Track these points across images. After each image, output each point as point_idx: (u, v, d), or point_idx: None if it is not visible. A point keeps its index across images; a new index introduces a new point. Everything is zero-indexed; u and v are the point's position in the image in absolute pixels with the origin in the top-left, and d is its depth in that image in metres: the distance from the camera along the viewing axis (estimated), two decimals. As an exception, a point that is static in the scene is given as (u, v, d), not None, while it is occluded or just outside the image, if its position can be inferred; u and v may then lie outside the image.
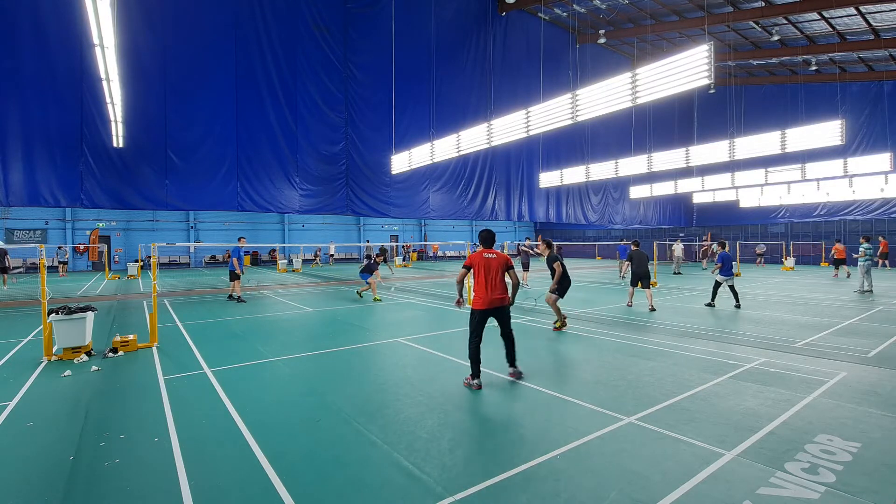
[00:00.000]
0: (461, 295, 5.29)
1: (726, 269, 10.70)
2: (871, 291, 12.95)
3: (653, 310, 10.15)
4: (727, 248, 10.97)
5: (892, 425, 3.90)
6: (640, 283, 10.51)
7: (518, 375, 5.24)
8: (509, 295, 5.20)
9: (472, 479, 3.06)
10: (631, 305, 10.99)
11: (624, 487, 2.95)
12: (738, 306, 10.56)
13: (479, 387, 4.92)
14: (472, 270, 5.23)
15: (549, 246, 8.38)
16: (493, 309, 5.09)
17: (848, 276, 18.04)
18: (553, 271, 7.94)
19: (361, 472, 3.18)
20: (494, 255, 5.20)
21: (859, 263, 13.25)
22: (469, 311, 5.45)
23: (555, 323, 8.23)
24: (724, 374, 5.38)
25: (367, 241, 13.05)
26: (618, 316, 9.67)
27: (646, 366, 5.78)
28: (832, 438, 3.64)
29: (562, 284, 7.99)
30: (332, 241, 28.51)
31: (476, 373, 5.02)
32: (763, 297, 12.51)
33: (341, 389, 4.96)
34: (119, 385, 5.18)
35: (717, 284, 10.85)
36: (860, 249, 13.24)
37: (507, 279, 5.23)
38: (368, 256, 13.09)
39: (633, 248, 10.88)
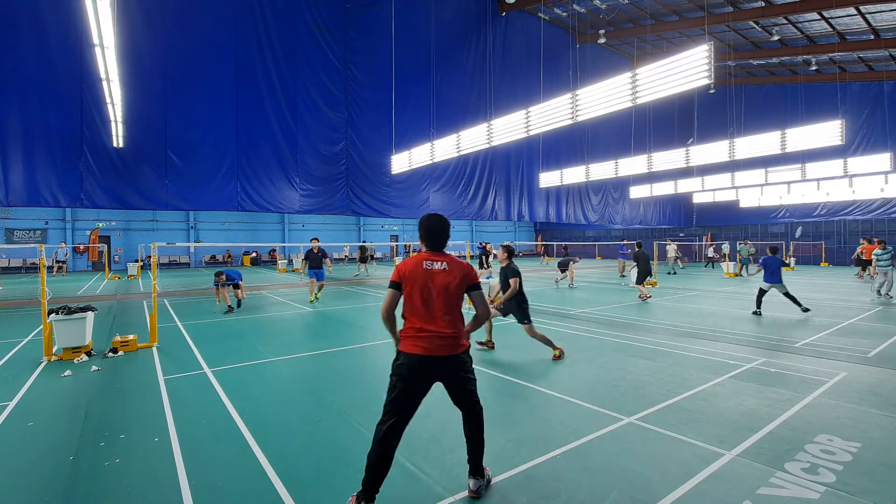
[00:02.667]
0: (395, 336, 2.92)
1: (769, 274, 9.57)
2: (879, 294, 12.41)
3: (642, 299, 11.26)
4: (776, 252, 9.82)
5: (892, 425, 3.90)
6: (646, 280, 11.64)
7: (479, 494, 2.83)
8: (466, 332, 2.87)
9: (472, 479, 3.05)
10: (648, 298, 11.62)
11: (624, 487, 2.95)
12: (805, 310, 9.39)
13: None
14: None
15: (511, 255, 6.39)
16: (433, 360, 2.72)
17: (872, 278, 17.48)
18: (506, 287, 6.26)
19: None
20: (443, 266, 2.83)
21: (880, 267, 12.49)
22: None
23: (553, 352, 6.30)
24: (724, 374, 5.38)
25: (314, 239, 12.52)
26: (618, 316, 9.67)
27: (646, 366, 5.78)
28: (832, 438, 3.64)
29: (522, 306, 6.26)
30: (346, 243, 28.51)
31: (367, 490, 2.67)
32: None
33: (341, 389, 4.96)
34: (119, 385, 5.18)
35: (762, 292, 9.74)
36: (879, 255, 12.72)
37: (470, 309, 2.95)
38: (316, 251, 12.15)
39: (637, 248, 11.41)
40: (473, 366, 2.99)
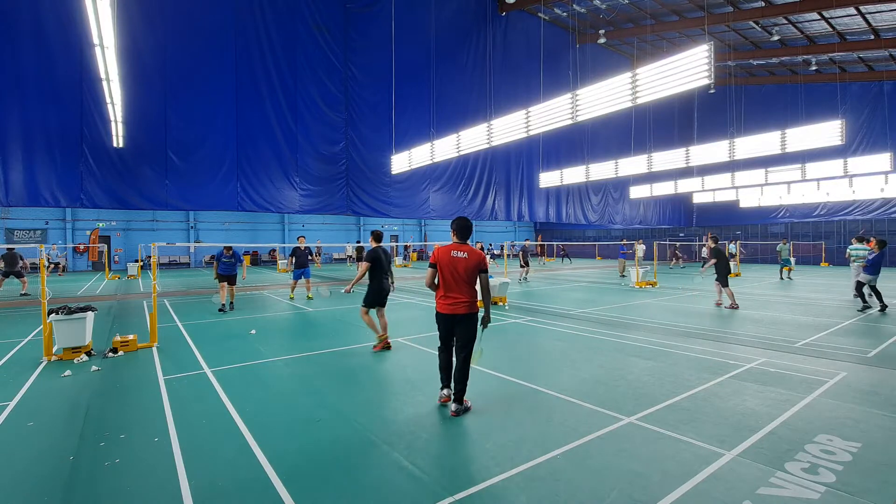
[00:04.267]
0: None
1: (870, 267, 9.82)
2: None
3: (735, 307, 10.34)
4: (884, 246, 9.90)
5: (892, 425, 3.90)
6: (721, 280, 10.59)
7: (457, 413, 4.14)
8: (479, 303, 4.29)
9: (472, 479, 3.06)
10: (721, 304, 10.80)
11: (624, 487, 2.95)
12: (882, 308, 9.77)
13: (448, 399, 4.33)
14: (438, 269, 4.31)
15: (376, 240, 6.82)
16: (452, 317, 4.22)
17: None
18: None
19: (361, 472, 3.18)
20: (464, 255, 4.21)
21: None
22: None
23: (374, 343, 6.74)
24: (724, 374, 5.38)
25: (301, 237, 12.71)
26: (618, 316, 9.67)
27: (646, 366, 5.78)
28: (832, 438, 3.64)
29: (370, 293, 6.55)
30: (350, 243, 28.54)
31: (444, 383, 4.46)
32: (763, 297, 12.51)
33: (341, 389, 4.96)
34: (119, 385, 5.18)
35: (860, 285, 10.20)
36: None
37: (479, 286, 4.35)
38: (303, 248, 12.29)
39: (713, 242, 10.78)
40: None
